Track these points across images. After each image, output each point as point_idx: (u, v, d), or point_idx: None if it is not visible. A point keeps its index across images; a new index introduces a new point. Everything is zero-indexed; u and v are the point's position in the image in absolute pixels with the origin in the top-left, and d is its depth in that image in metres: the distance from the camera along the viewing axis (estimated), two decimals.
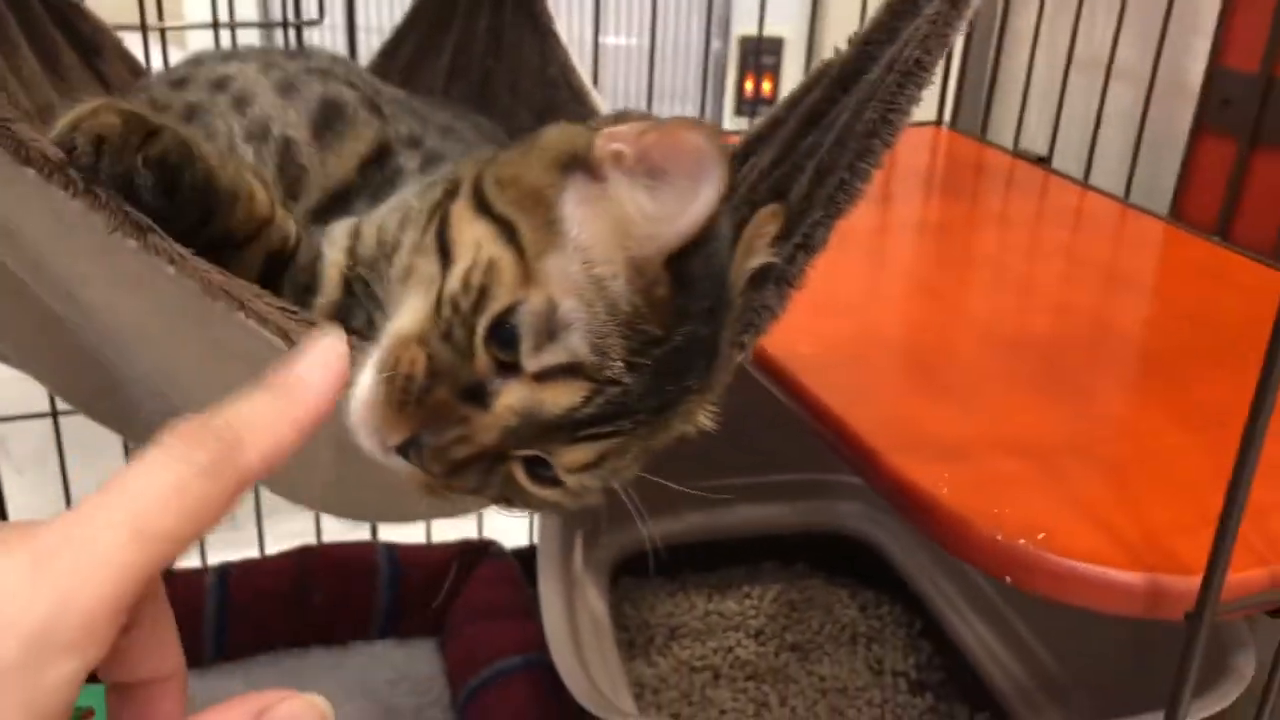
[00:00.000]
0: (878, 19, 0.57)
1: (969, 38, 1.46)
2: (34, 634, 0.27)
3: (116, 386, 0.71)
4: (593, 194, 0.50)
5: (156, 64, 1.06)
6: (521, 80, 0.98)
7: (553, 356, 0.48)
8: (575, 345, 0.48)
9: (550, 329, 0.48)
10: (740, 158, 0.70)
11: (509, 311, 0.48)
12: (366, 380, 0.49)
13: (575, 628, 1.11)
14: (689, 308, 0.50)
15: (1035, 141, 1.38)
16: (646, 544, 1.38)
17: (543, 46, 1.00)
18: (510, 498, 0.54)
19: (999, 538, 0.62)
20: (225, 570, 1.26)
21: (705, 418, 0.56)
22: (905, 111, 0.55)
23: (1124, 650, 1.10)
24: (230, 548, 1.33)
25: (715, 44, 2.01)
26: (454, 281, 0.50)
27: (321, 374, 0.35)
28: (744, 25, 1.96)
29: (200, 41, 1.21)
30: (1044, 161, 1.33)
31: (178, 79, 0.88)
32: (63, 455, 1.23)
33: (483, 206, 0.52)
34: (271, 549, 1.33)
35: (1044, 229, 1.19)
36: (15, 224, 0.54)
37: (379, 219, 0.63)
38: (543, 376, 0.48)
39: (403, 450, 0.49)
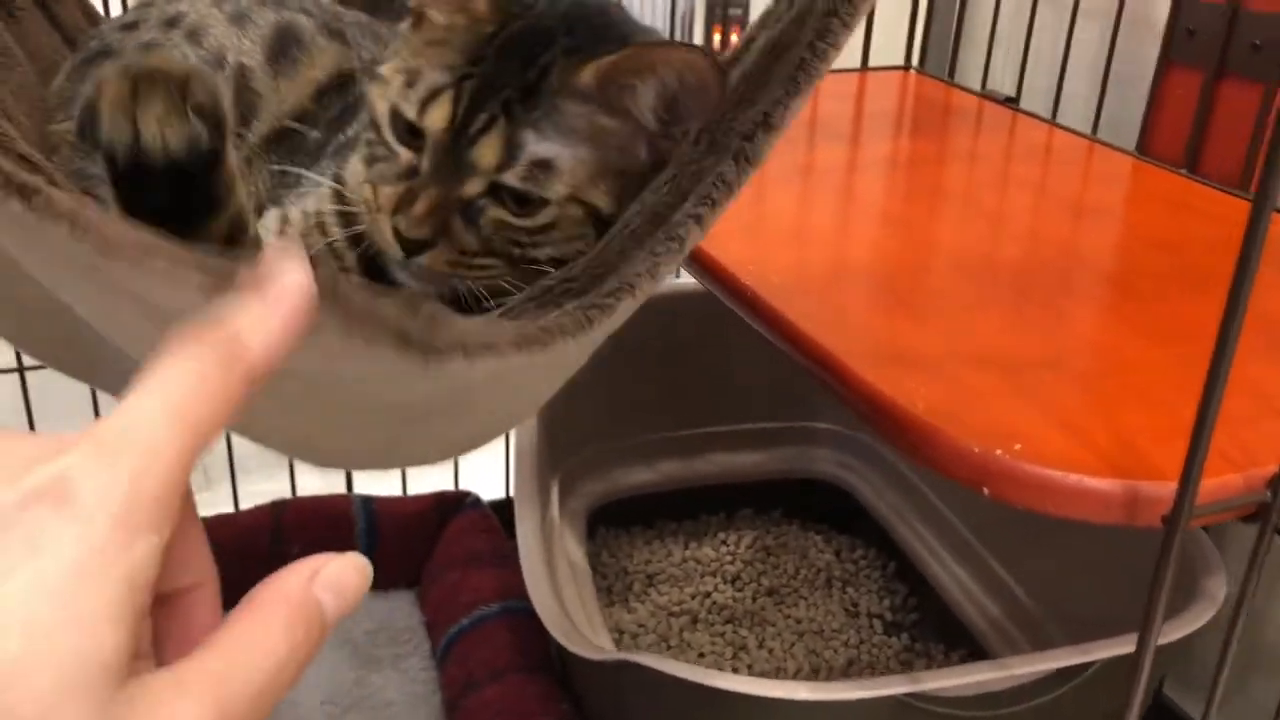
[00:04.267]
0: None
1: None
2: (118, 514, 0.29)
3: (74, 336, 0.69)
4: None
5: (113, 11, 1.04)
6: None
7: (419, 91, 0.60)
8: (429, 82, 0.60)
9: (411, 81, 0.61)
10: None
11: (393, 111, 0.61)
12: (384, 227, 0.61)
13: (553, 572, 1.11)
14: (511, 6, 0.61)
15: (1003, 84, 1.38)
16: (622, 493, 1.39)
17: None
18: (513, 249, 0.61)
19: (975, 449, 0.62)
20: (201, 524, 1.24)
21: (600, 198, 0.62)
22: None
23: (1094, 583, 1.11)
24: (203, 507, 1.32)
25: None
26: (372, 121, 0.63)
27: (292, 273, 0.36)
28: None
29: None
30: (1011, 101, 1.33)
31: (128, 23, 0.87)
32: (30, 411, 1.21)
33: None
34: (245, 506, 1.32)
35: (1012, 165, 1.19)
36: None
37: (298, 209, 0.68)
38: (422, 111, 0.60)
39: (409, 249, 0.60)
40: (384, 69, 0.64)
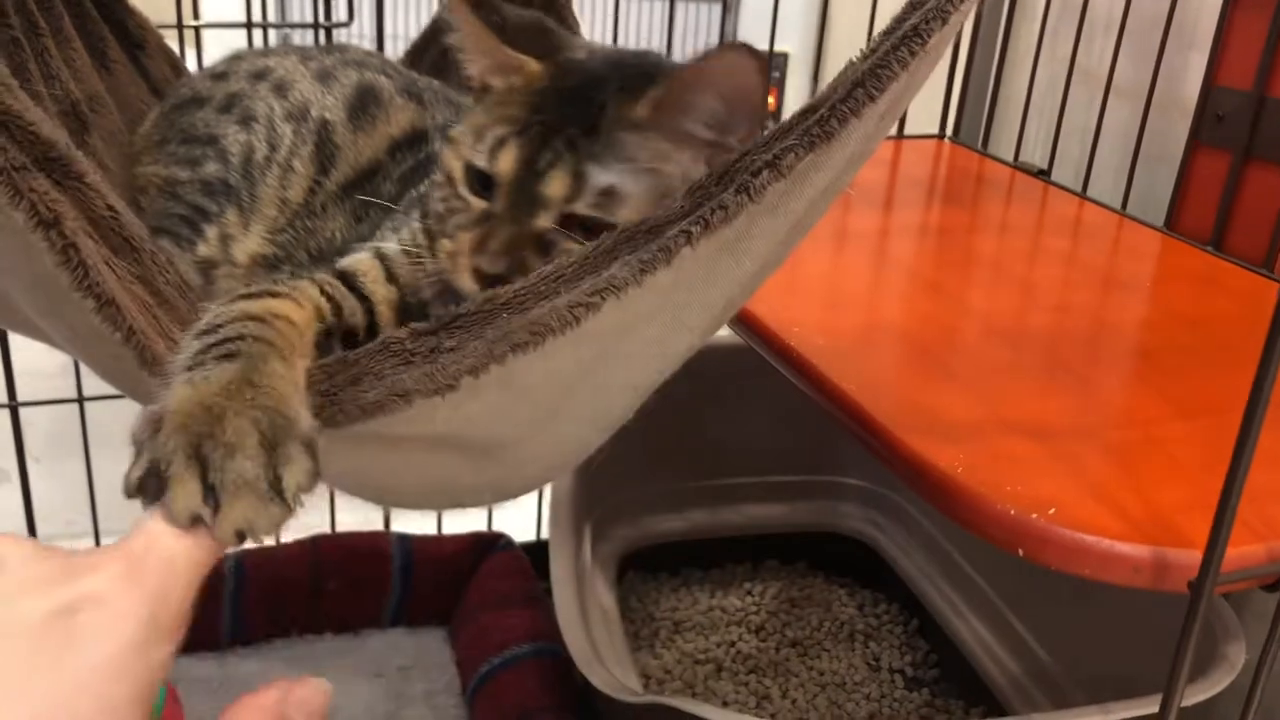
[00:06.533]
0: (901, 10, 0.60)
1: (971, 53, 1.51)
2: (145, 621, 0.34)
3: None
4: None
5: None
6: None
7: (487, 143, 0.65)
8: (496, 133, 0.65)
9: (480, 135, 0.65)
10: None
11: (466, 166, 0.66)
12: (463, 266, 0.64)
13: (585, 615, 1.14)
14: (555, 53, 0.68)
15: (1034, 155, 1.43)
16: (651, 540, 1.42)
17: None
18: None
19: (1012, 512, 0.66)
20: (242, 556, 1.28)
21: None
22: (893, 71, 0.56)
23: (1113, 644, 1.14)
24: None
25: None
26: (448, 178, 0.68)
27: None
28: (748, 41, 2.00)
29: (214, 40, 1.24)
30: (1043, 174, 1.37)
31: (218, 73, 0.92)
32: (87, 441, 1.25)
33: None
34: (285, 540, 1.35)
35: (1043, 236, 1.24)
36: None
37: (394, 241, 0.71)
38: (493, 158, 0.64)
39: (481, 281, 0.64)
40: (454, 132, 0.69)
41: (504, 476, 0.69)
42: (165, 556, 0.36)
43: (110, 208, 0.57)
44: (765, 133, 0.60)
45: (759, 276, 0.63)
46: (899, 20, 0.59)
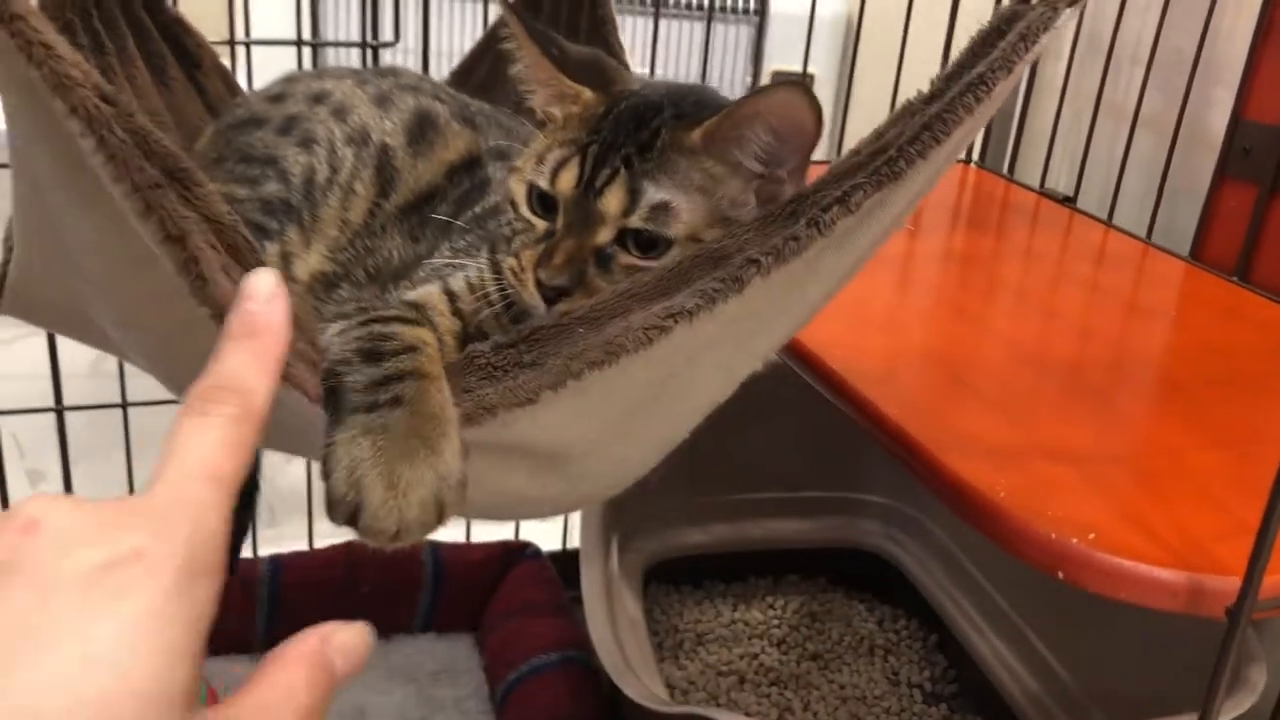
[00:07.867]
0: (962, 55, 0.62)
1: None
2: (181, 567, 0.35)
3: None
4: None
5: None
6: None
7: (549, 165, 0.68)
8: (556, 156, 0.68)
9: (542, 159, 0.69)
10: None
11: (529, 188, 0.69)
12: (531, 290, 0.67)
13: (615, 625, 1.16)
14: (610, 85, 0.72)
15: (1060, 183, 1.45)
16: (675, 552, 1.45)
17: None
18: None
19: (1054, 536, 0.68)
20: (278, 561, 1.31)
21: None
22: (959, 116, 0.59)
23: (1131, 663, 1.16)
24: (272, 543, 1.38)
25: (750, 81, 2.09)
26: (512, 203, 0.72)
27: (274, 309, 0.44)
28: (775, 62, 2.04)
29: (258, 56, 1.27)
30: (1069, 201, 1.39)
31: (274, 95, 0.95)
32: (129, 445, 1.28)
33: None
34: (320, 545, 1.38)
35: (1068, 263, 1.26)
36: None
37: (461, 279, 0.74)
38: (554, 179, 0.68)
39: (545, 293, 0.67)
40: (519, 162, 0.72)
41: (563, 492, 0.72)
42: (193, 499, 0.37)
43: (230, 212, 0.59)
44: (833, 167, 0.63)
45: (819, 307, 0.66)
46: (962, 66, 0.61)
